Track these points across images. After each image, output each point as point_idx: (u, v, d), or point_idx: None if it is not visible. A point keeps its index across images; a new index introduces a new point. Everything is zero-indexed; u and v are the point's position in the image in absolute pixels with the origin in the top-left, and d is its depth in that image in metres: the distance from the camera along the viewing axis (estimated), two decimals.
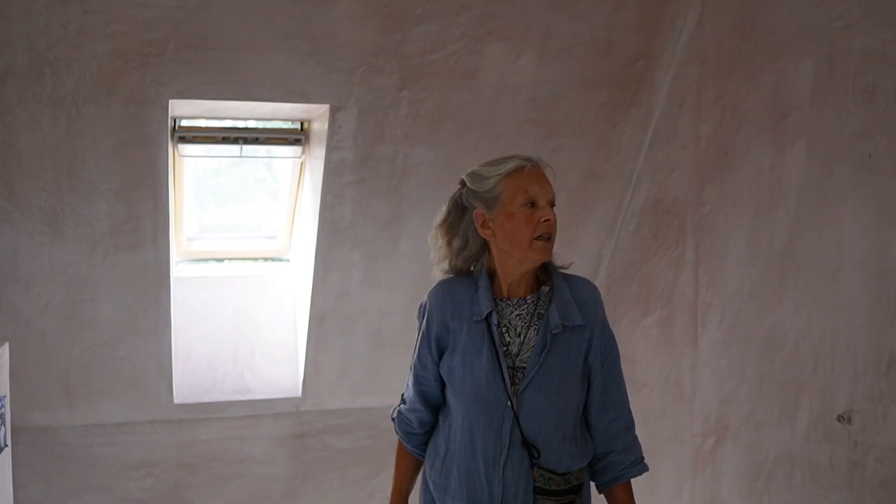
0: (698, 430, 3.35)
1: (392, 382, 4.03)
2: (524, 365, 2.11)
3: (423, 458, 2.30)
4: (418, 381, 2.24)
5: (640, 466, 2.22)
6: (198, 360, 3.99)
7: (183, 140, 3.64)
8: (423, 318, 2.23)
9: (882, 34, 2.53)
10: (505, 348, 2.12)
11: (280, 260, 4.27)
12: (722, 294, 3.23)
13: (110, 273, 3.45)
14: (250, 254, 4.30)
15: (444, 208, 2.22)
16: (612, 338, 2.23)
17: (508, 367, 2.10)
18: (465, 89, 3.41)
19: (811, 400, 2.80)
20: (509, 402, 2.08)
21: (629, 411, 2.24)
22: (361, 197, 3.55)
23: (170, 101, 3.19)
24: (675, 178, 3.53)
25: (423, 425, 2.27)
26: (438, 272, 2.26)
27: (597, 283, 4.09)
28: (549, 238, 2.10)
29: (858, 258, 2.61)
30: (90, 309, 3.50)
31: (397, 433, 2.33)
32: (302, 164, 3.84)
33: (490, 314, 2.12)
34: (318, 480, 4.15)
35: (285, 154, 3.84)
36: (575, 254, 3.91)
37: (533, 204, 2.08)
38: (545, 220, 2.08)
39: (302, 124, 3.76)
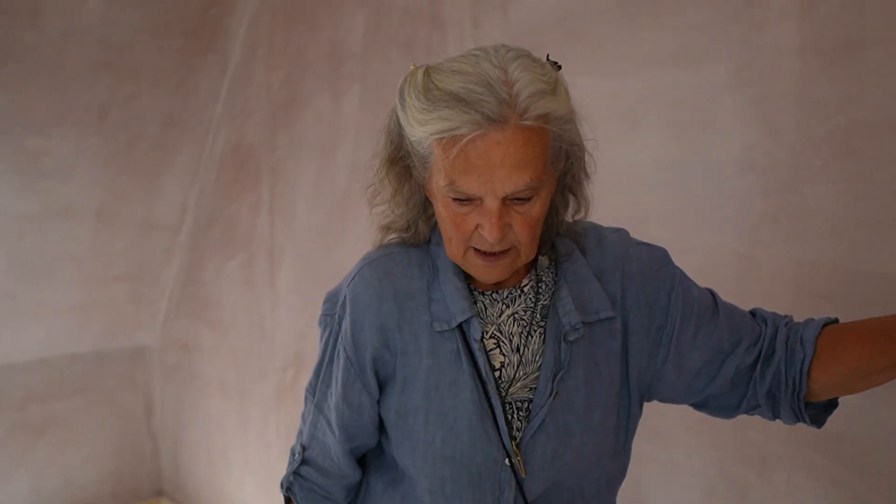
0: (279, 365, 3.51)
1: None
2: (528, 397, 1.30)
3: None
4: (347, 435, 1.35)
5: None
6: None
7: None
8: (338, 332, 1.33)
9: None
10: (497, 373, 1.30)
11: None
12: (294, 235, 3.40)
13: None
14: None
15: (382, 135, 1.29)
16: (676, 278, 1.35)
17: (505, 405, 1.30)
18: (29, 29, 3.24)
19: None
20: (508, 461, 1.28)
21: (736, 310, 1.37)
22: None
23: None
24: (252, 123, 3.63)
25: (349, 494, 1.43)
26: (379, 236, 1.37)
27: (182, 231, 4.11)
28: (494, 254, 1.22)
29: None
30: None
31: None
32: None
33: (469, 321, 1.28)
34: None
35: None
36: (160, 202, 3.95)
37: (467, 199, 1.18)
38: (481, 229, 1.19)
39: None
